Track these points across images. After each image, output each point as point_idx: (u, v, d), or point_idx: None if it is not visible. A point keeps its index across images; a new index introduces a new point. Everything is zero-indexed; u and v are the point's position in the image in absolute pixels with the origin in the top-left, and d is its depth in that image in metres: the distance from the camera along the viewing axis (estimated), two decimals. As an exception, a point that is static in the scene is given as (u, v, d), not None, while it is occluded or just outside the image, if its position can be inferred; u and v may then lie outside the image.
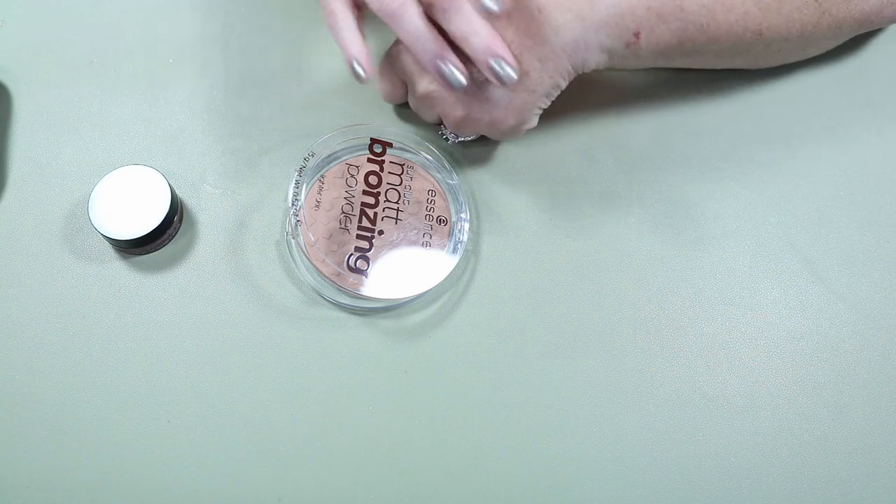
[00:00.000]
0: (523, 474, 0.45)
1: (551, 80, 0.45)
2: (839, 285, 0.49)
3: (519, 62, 0.44)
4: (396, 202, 0.50)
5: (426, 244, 0.49)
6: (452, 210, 0.50)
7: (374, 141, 0.50)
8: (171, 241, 0.50)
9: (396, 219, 0.49)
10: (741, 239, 0.50)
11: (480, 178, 0.52)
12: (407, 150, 0.52)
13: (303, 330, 0.48)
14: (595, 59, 0.45)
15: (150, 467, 0.45)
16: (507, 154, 0.52)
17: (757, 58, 0.50)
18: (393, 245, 0.49)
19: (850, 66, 0.55)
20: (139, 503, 0.45)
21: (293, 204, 0.48)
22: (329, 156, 0.51)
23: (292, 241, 0.49)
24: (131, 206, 0.48)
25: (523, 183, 0.51)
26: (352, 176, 0.50)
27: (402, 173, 0.51)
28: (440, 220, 0.50)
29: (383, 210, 0.49)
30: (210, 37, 0.56)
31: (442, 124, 0.51)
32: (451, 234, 0.50)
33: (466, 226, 0.49)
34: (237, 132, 0.53)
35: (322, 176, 0.50)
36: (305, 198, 0.49)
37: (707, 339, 0.48)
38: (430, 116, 0.50)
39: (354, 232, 0.49)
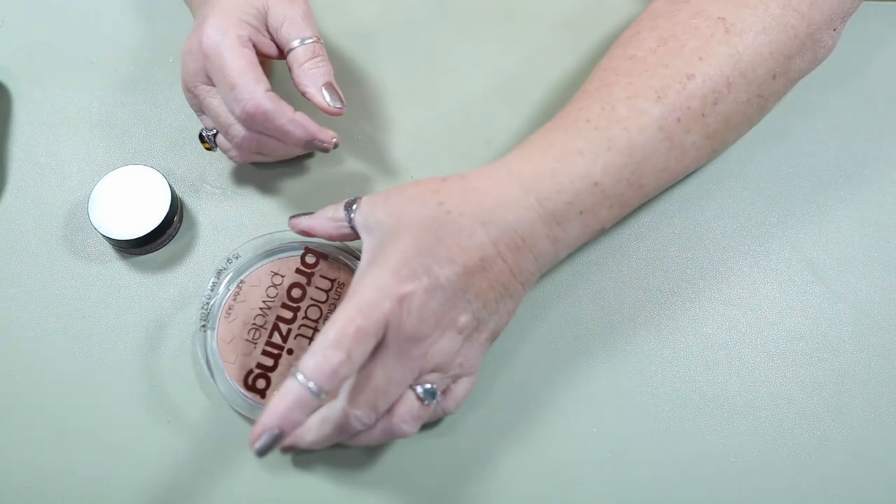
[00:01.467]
0: (523, 475, 0.45)
1: (509, 316, 0.43)
2: (839, 285, 0.49)
3: (491, 310, 0.41)
4: (316, 321, 0.46)
5: None
6: None
7: (307, 251, 0.46)
8: (171, 241, 0.50)
9: (311, 339, 0.45)
10: (741, 239, 0.50)
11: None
12: (344, 263, 0.47)
13: (303, 330, 0.48)
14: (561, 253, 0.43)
15: (150, 467, 0.45)
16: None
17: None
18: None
19: (850, 65, 0.55)
20: (139, 503, 0.45)
21: (203, 308, 0.46)
22: (253, 257, 0.47)
23: (200, 343, 0.45)
24: (131, 206, 0.48)
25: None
26: (274, 286, 0.46)
27: (330, 289, 0.46)
28: None
29: (299, 328, 0.45)
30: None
31: None
32: None
33: None
34: (237, 132, 0.53)
35: (241, 281, 0.47)
36: (223, 303, 0.46)
37: (707, 339, 0.48)
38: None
39: (261, 347, 0.45)
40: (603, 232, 0.45)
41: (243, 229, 0.50)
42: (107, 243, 0.50)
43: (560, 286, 0.49)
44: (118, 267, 0.50)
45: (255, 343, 0.45)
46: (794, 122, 0.53)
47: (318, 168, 0.52)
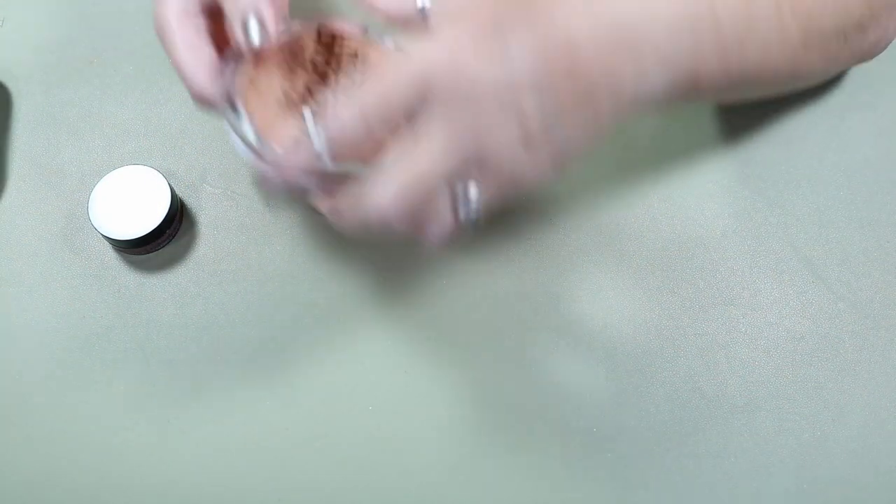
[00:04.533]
0: (523, 475, 0.45)
1: (584, 135, 0.36)
2: (839, 285, 0.49)
3: None
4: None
5: None
6: None
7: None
8: (171, 241, 0.50)
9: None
10: (741, 239, 0.50)
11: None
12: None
13: (304, 329, 0.48)
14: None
15: (151, 467, 0.45)
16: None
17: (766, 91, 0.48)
18: None
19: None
20: (139, 503, 0.45)
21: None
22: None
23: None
24: (131, 206, 0.48)
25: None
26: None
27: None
28: None
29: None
30: (210, 37, 0.56)
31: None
32: None
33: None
34: (237, 132, 0.53)
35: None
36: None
37: (707, 339, 0.48)
38: None
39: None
40: (690, 92, 0.39)
41: (243, 229, 0.50)
42: (107, 243, 0.50)
43: (560, 286, 0.49)
44: (118, 267, 0.50)
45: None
46: (794, 123, 0.53)
47: (318, 168, 0.52)
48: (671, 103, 0.39)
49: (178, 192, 0.50)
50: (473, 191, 0.35)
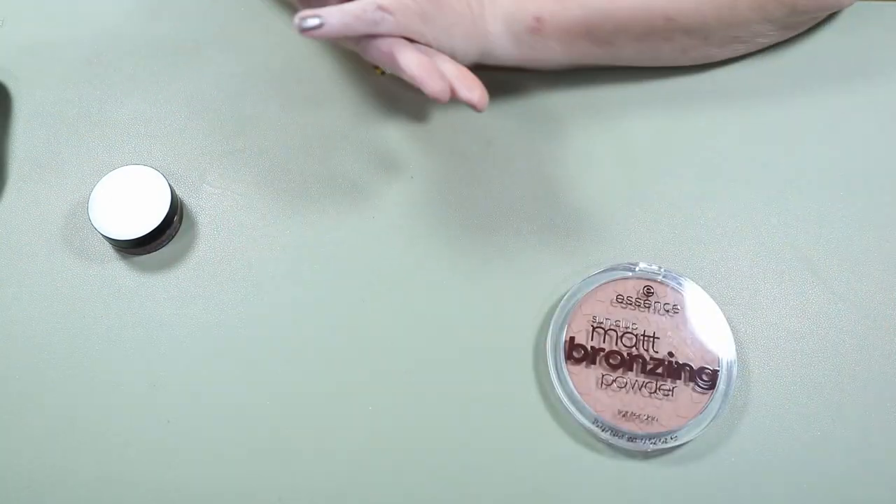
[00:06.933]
0: (523, 474, 0.45)
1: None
2: (839, 285, 0.49)
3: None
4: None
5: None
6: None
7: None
8: (171, 241, 0.50)
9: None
10: (741, 239, 0.50)
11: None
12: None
13: (304, 329, 0.48)
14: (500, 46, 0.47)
15: (151, 467, 0.45)
16: (508, 153, 0.52)
17: (687, 49, 0.49)
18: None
19: (851, 64, 0.55)
20: (139, 503, 0.45)
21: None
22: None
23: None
24: (131, 206, 0.48)
25: (521, 184, 0.51)
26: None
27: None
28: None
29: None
30: (210, 37, 0.56)
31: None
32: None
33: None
34: (237, 132, 0.53)
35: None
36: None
37: (707, 339, 0.48)
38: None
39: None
40: (544, 37, 0.48)
41: (243, 229, 0.50)
42: (107, 243, 0.50)
43: (563, 286, 0.49)
44: (118, 267, 0.50)
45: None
46: (794, 123, 0.53)
47: (318, 168, 0.52)
48: (528, 46, 0.47)
49: (178, 192, 0.50)
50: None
